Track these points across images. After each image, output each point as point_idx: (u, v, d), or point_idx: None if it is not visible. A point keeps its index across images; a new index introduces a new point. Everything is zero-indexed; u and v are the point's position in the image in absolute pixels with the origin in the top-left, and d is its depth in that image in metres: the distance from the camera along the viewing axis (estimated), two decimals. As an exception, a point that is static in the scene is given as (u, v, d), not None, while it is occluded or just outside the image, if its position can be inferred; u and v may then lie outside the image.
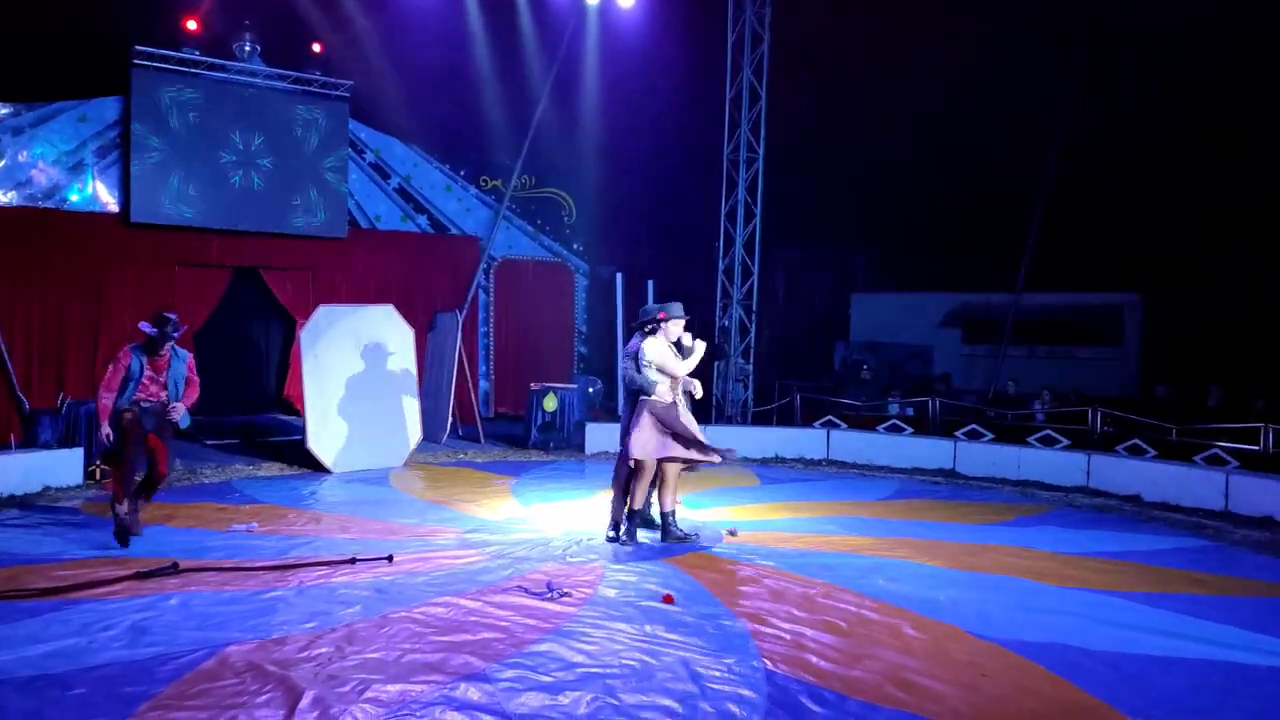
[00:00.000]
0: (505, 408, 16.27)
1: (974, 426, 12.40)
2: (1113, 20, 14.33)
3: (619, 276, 16.71)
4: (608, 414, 15.42)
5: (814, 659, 5.14)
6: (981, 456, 11.66)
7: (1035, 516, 9.35)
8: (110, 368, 7.31)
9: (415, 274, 15.49)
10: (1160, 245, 15.85)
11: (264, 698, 4.45)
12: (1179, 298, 16.10)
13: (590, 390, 15.25)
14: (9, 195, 12.28)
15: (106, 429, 7.12)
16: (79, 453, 9.69)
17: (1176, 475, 10.11)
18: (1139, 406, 12.26)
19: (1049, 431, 11.92)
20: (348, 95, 14.42)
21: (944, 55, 15.34)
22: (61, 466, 9.49)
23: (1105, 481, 10.63)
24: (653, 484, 7.75)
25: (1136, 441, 11.23)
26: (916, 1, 15.14)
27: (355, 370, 11.10)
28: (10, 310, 12.11)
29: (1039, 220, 15.80)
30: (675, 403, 7.68)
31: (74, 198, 12.74)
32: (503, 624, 5.56)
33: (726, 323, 14.86)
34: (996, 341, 16.78)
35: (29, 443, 9.92)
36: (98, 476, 9.75)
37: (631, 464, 7.64)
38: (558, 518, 8.67)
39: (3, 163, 12.22)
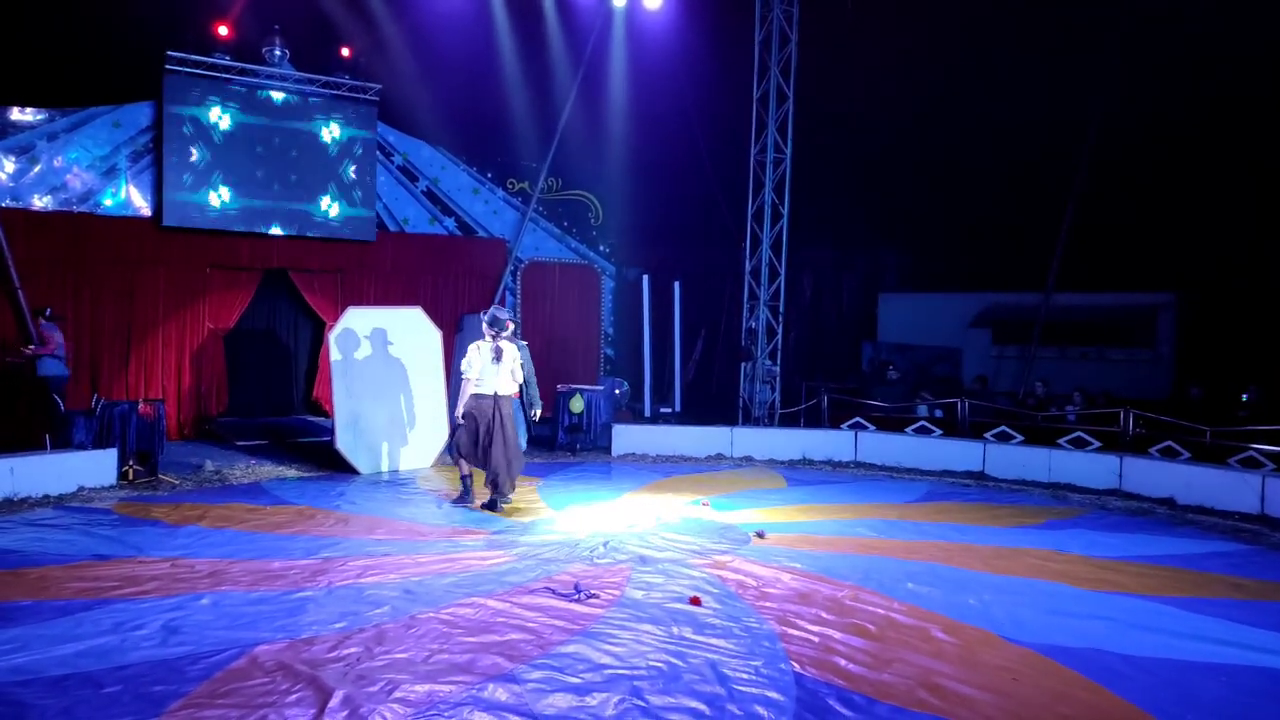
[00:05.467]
0: (532, 409, 16.29)
1: (1004, 428, 12.27)
2: (1146, 12, 14.14)
3: (645, 278, 16.70)
4: (634, 415, 15.41)
5: (843, 662, 5.09)
6: (1012, 458, 11.54)
7: (1067, 519, 9.24)
8: None
9: (443, 276, 15.56)
10: (1195, 243, 15.59)
11: (294, 697, 4.47)
12: (1215, 297, 15.85)
13: (617, 392, 15.24)
14: (44, 200, 12.45)
15: None
16: (112, 453, 9.79)
17: (1211, 478, 9.95)
18: (1172, 408, 12.09)
19: (1080, 433, 11.77)
20: (376, 99, 14.51)
21: (974, 52, 15.20)
22: (95, 467, 9.59)
23: (1138, 484, 10.49)
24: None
25: (1170, 444, 11.07)
26: (946, 1, 15.02)
27: (383, 372, 11.15)
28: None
29: (1070, 218, 15.61)
30: (491, 395, 8.85)
31: (108, 202, 12.90)
32: (530, 625, 5.56)
33: (753, 324, 14.81)
34: (1026, 342, 16.61)
35: (63, 443, 10.03)
36: (130, 477, 9.86)
37: None
38: (585, 519, 8.66)
39: (38, 168, 12.39)
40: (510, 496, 9.08)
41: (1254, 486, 9.51)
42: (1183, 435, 11.05)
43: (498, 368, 8.88)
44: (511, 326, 9.19)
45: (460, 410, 8.94)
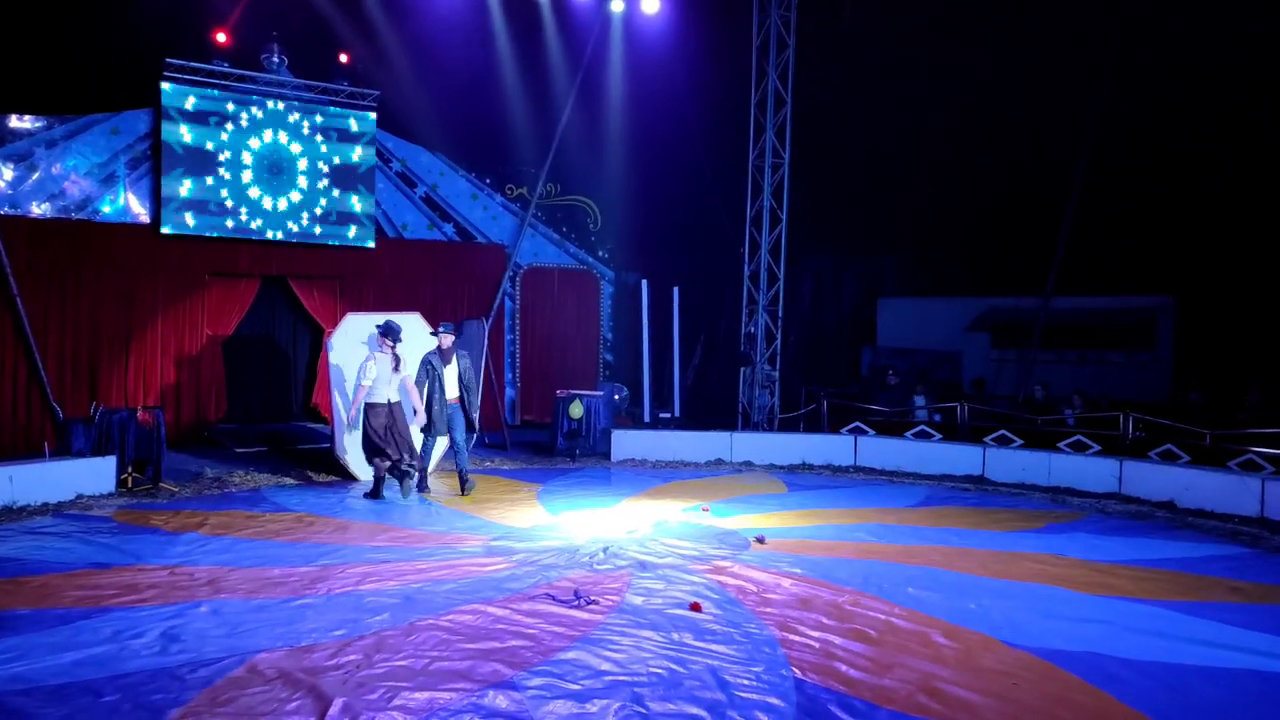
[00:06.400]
0: (531, 415, 16.29)
1: (1003, 432, 12.27)
2: (1144, 16, 14.16)
3: (644, 283, 16.71)
4: (634, 421, 15.41)
5: (843, 667, 5.09)
6: (1011, 462, 11.54)
7: (1066, 523, 9.24)
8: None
9: (441, 282, 15.56)
10: (1194, 246, 15.59)
11: (293, 705, 4.47)
12: (1213, 300, 15.85)
13: (616, 397, 15.23)
14: (43, 207, 12.45)
15: None
16: (111, 461, 9.78)
17: (1211, 481, 9.94)
18: (1172, 411, 12.09)
19: (1080, 437, 11.77)
20: (374, 105, 14.52)
21: (972, 56, 15.22)
22: (94, 475, 9.59)
23: (1138, 487, 10.49)
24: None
25: (1170, 447, 11.07)
26: (943, 4, 15.04)
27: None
28: (44, 320, 12.28)
29: (1069, 221, 15.62)
30: (386, 403, 9.71)
31: (106, 209, 12.89)
32: (530, 631, 5.55)
33: (752, 329, 14.82)
34: (1026, 346, 16.61)
35: (62, 451, 10.02)
36: (129, 484, 9.85)
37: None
38: (584, 525, 8.66)
39: (37, 175, 12.40)
40: (415, 475, 10.07)
41: (1254, 490, 9.51)
42: (1183, 438, 11.05)
43: (394, 377, 9.76)
44: (450, 339, 10.04)
45: (353, 413, 9.85)
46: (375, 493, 9.84)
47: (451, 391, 10.17)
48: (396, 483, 9.94)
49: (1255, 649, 5.48)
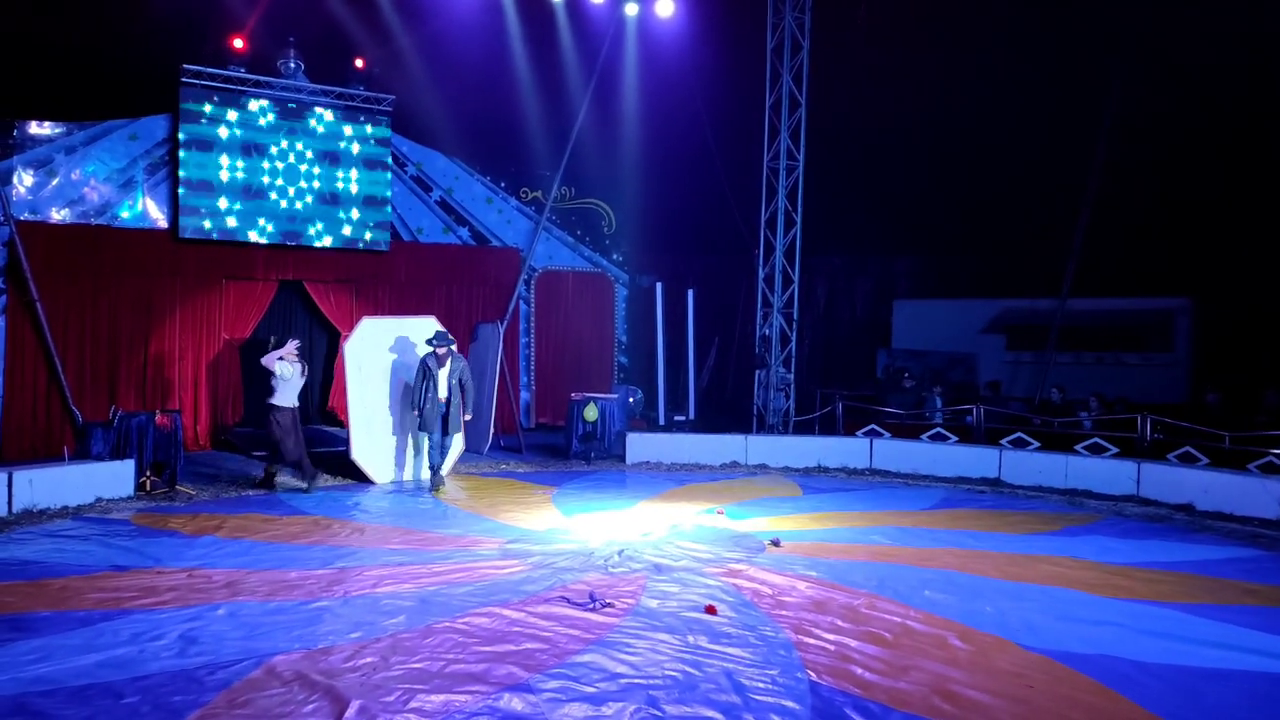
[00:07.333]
0: (546, 418, 16.33)
1: (1020, 434, 12.22)
2: (1160, 15, 14.09)
3: (659, 286, 16.72)
4: (649, 424, 15.42)
5: (858, 670, 5.10)
6: (1028, 465, 11.49)
7: (1083, 526, 9.20)
8: None
9: (457, 285, 15.61)
10: (1211, 247, 15.49)
11: (310, 707, 4.51)
12: (1231, 301, 15.74)
13: (631, 400, 15.25)
14: (62, 213, 12.56)
15: None
16: (130, 465, 9.86)
17: (1230, 483, 9.88)
18: (1190, 414, 12.01)
19: (1097, 439, 11.72)
20: (390, 110, 14.59)
21: (987, 57, 15.16)
22: (113, 478, 9.67)
23: (1156, 490, 10.43)
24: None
25: (1188, 449, 11.00)
26: (959, 5, 14.99)
27: (398, 381, 11.20)
28: (64, 325, 12.39)
29: (1085, 222, 15.54)
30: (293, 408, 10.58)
31: (125, 214, 13.00)
32: (545, 634, 5.58)
33: (767, 331, 14.80)
34: (1041, 348, 16.54)
35: (82, 455, 10.11)
36: (148, 488, 9.93)
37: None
38: (599, 528, 8.68)
39: (56, 181, 12.51)
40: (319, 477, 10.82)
41: (1273, 492, 9.45)
42: (1201, 440, 10.98)
43: (300, 382, 10.58)
44: (445, 349, 10.66)
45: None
46: (267, 483, 10.59)
47: (444, 393, 10.69)
48: (301, 475, 10.65)
49: (1268, 651, 5.46)
